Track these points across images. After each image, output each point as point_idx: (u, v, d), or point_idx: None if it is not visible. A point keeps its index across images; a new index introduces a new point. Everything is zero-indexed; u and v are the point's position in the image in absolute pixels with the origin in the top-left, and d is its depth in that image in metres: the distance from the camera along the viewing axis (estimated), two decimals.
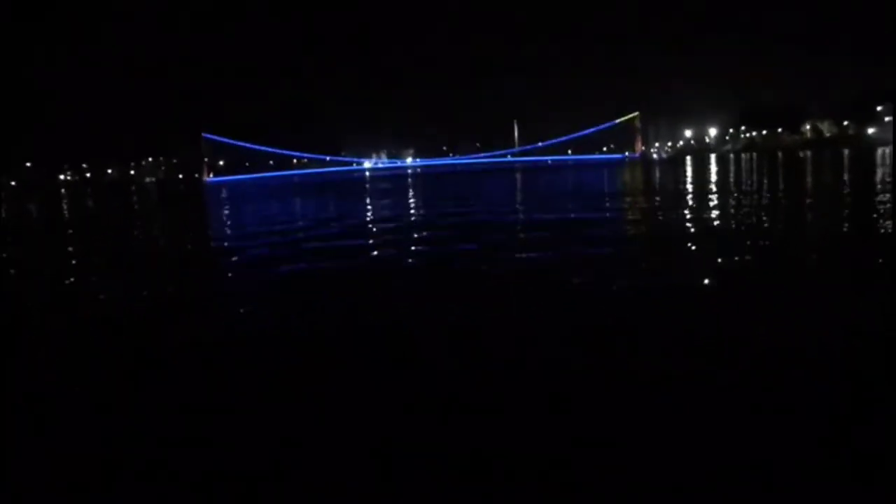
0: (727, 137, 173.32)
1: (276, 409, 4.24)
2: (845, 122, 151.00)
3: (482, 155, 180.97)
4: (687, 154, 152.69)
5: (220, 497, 3.21)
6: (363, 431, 3.84)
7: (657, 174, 46.47)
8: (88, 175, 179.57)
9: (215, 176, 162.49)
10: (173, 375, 5.08)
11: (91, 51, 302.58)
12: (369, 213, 21.83)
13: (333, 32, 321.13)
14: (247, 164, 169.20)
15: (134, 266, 11.82)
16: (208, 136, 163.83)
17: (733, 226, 13.11)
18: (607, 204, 20.82)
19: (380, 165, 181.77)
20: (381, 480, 3.26)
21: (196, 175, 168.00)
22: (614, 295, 7.12)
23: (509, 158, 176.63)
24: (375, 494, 3.15)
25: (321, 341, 5.87)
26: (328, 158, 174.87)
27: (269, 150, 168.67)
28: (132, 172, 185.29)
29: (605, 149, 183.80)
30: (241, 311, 7.32)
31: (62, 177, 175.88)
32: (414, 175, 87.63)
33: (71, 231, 22.24)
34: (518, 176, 61.00)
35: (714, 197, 20.67)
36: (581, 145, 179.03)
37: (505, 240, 12.69)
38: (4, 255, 15.25)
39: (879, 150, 73.59)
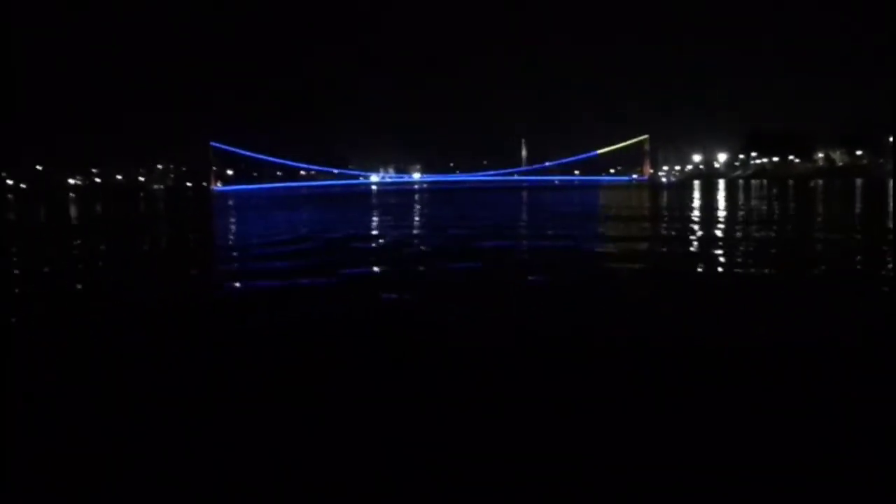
0: (736, 163, 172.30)
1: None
2: (858, 152, 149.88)
3: (489, 172, 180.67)
4: (695, 179, 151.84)
5: None
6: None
7: (664, 199, 45.71)
8: (98, 180, 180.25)
9: (223, 185, 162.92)
10: None
11: (101, 53, 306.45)
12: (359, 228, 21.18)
13: (344, 45, 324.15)
14: (255, 174, 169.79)
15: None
16: (217, 144, 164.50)
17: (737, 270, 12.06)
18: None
19: (387, 179, 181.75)
20: None
21: (204, 183, 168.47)
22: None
23: (516, 177, 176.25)
24: None
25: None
26: (336, 171, 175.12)
27: (278, 161, 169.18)
28: (141, 179, 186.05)
29: (612, 171, 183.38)
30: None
31: (71, 181, 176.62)
32: (419, 191, 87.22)
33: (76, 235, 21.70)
34: (524, 194, 60.42)
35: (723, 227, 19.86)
36: (588, 166, 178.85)
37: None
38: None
39: (891, 181, 72.52)
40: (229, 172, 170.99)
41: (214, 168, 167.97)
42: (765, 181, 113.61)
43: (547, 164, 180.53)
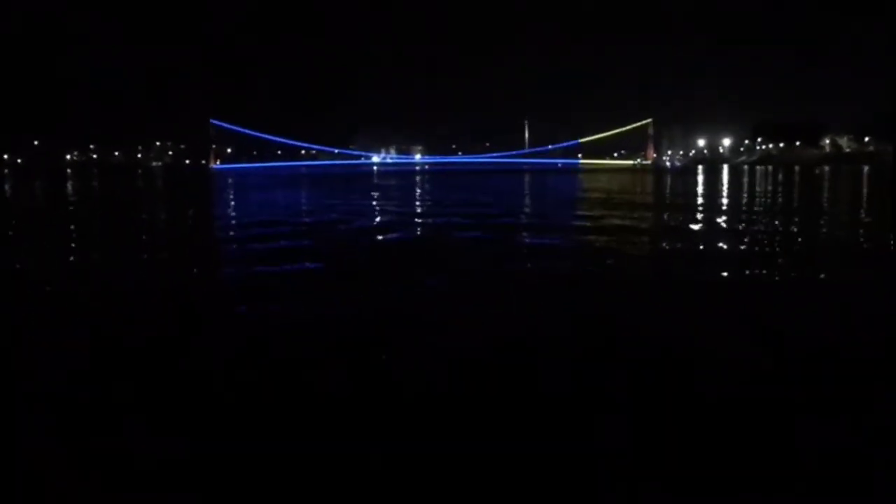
0: (741, 149, 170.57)
1: None
2: (866, 138, 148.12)
3: (491, 155, 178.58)
4: (699, 163, 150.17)
5: None
6: None
7: (668, 184, 44.49)
8: (95, 156, 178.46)
9: (222, 163, 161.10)
10: None
11: (100, 30, 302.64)
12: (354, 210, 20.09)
13: (349, 25, 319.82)
14: (254, 152, 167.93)
15: None
16: (216, 122, 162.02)
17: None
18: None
19: (388, 161, 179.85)
20: None
21: (203, 161, 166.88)
22: None
23: (518, 160, 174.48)
24: None
25: None
26: (336, 151, 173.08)
27: (278, 139, 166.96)
28: (139, 156, 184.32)
29: (615, 154, 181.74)
30: None
31: (68, 157, 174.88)
32: (420, 171, 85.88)
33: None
34: (526, 178, 59.17)
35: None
36: (591, 149, 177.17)
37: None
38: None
39: None
40: (228, 150, 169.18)
41: (213, 146, 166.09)
42: (770, 167, 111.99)
43: (550, 146, 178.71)
